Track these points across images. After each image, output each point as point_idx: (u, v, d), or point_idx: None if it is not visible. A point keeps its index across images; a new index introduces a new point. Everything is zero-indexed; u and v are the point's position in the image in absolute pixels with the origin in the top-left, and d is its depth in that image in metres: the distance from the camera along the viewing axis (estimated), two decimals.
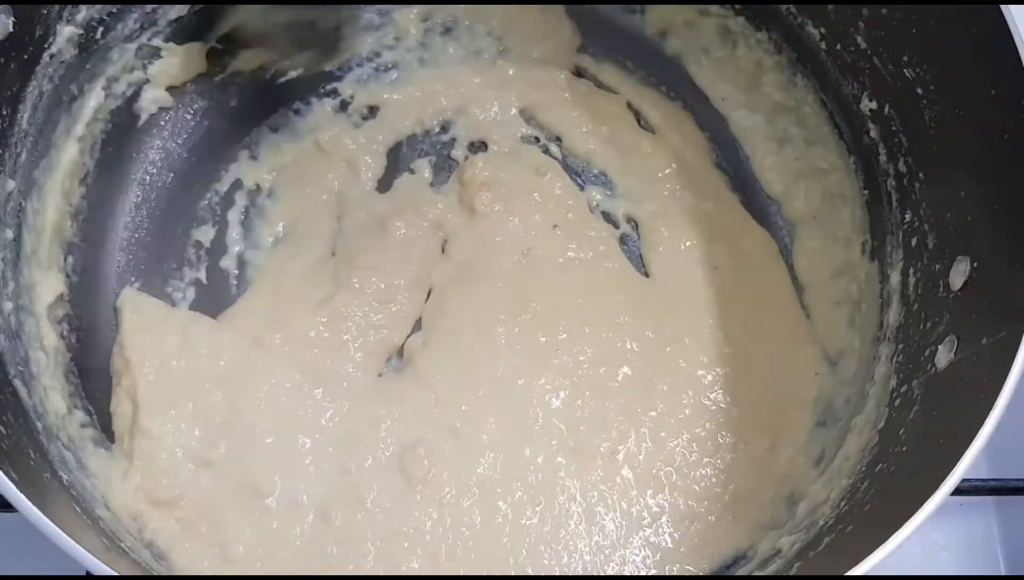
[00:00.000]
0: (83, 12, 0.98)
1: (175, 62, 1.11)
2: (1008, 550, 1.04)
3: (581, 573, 0.94)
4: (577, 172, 1.14)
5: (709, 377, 1.02)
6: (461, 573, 0.93)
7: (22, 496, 0.70)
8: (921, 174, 0.93)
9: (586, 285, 1.07)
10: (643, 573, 0.94)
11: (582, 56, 1.18)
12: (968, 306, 0.84)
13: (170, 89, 1.11)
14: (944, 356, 0.83)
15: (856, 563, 0.69)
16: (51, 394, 0.93)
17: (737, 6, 1.11)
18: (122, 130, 1.09)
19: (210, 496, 0.94)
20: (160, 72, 1.10)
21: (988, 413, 0.72)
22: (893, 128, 0.97)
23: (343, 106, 1.15)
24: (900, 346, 0.92)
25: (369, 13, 1.17)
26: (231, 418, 0.98)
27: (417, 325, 1.05)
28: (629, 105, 1.16)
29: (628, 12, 1.18)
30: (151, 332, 1.02)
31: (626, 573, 0.94)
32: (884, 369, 0.93)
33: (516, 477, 0.97)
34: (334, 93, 1.16)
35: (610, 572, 0.94)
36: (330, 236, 1.08)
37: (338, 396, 1.00)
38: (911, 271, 0.94)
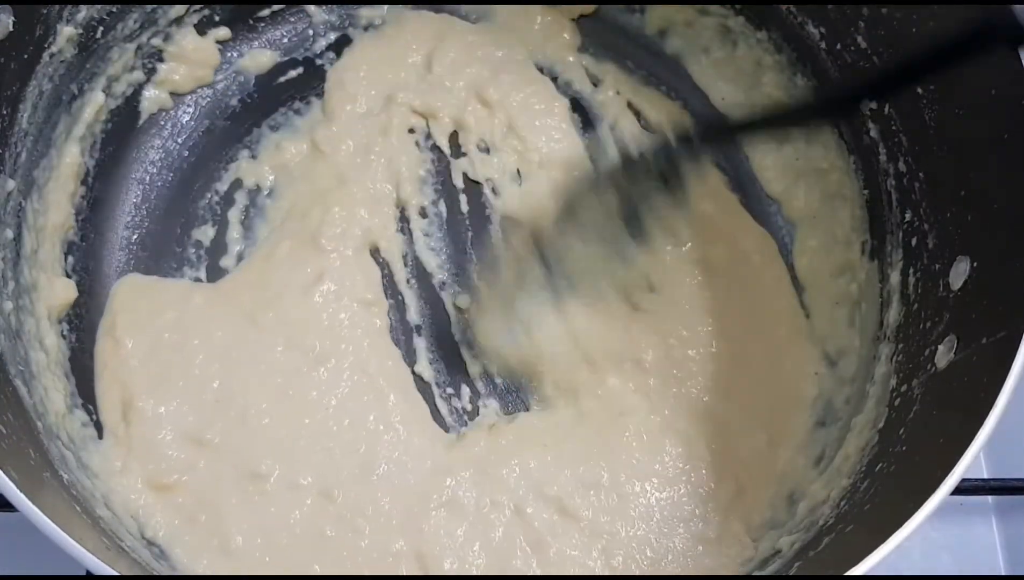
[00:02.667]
0: (83, 12, 0.98)
1: (180, 69, 1.11)
2: (1008, 550, 1.04)
3: (579, 572, 0.94)
4: None
5: (708, 377, 1.02)
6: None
7: (22, 496, 0.70)
8: (921, 174, 0.94)
9: None
10: (643, 573, 0.94)
11: (582, 56, 1.18)
12: (968, 306, 0.84)
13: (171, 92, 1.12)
14: (944, 356, 0.84)
15: (856, 563, 0.69)
16: (51, 394, 0.93)
17: (737, 6, 1.11)
18: (122, 130, 1.09)
19: (208, 480, 0.94)
20: (165, 79, 1.11)
21: (988, 413, 0.72)
22: (893, 128, 0.97)
23: None
24: (900, 346, 0.92)
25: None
26: (225, 397, 0.98)
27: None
28: (629, 105, 1.16)
29: (628, 12, 1.18)
30: (147, 307, 1.02)
31: (627, 573, 0.94)
32: (884, 369, 0.93)
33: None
34: None
35: (610, 572, 0.94)
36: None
37: (341, 375, 1.00)
38: (911, 271, 0.94)
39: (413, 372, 1.03)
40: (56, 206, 1.01)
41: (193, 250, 1.08)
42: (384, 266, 1.07)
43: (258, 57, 1.15)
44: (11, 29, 0.89)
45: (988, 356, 0.78)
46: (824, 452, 0.96)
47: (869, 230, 1.03)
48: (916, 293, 0.92)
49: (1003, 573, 1.04)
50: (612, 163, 0.91)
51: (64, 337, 0.99)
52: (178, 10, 1.09)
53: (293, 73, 1.16)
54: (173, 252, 1.08)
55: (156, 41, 1.09)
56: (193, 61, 1.12)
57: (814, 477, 0.95)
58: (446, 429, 1.01)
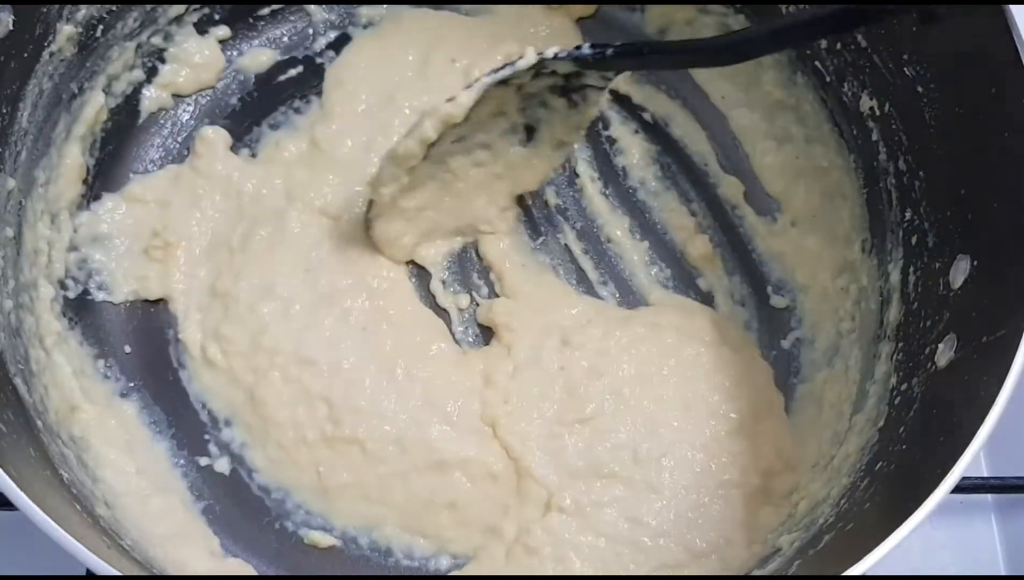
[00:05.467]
0: (83, 10, 0.98)
1: (183, 71, 1.11)
2: (1008, 549, 1.04)
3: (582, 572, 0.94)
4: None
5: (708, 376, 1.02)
6: None
7: (22, 494, 0.70)
8: (921, 172, 0.93)
9: None
10: (643, 573, 0.94)
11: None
12: (968, 304, 0.84)
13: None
14: (944, 354, 0.84)
15: (856, 561, 0.69)
16: (51, 392, 0.93)
17: (737, 4, 1.11)
18: (122, 128, 1.09)
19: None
20: (169, 81, 1.11)
21: (988, 411, 0.72)
22: (893, 127, 0.97)
23: None
24: (900, 344, 0.92)
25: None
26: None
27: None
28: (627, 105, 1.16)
29: (628, 11, 1.18)
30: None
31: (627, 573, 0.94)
32: (884, 367, 0.93)
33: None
34: None
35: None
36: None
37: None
38: (911, 269, 0.94)
39: None
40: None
41: None
42: None
43: (258, 56, 1.15)
44: (11, 28, 0.89)
45: (988, 354, 0.78)
46: None
47: (869, 228, 1.02)
48: (916, 291, 0.92)
49: (1003, 572, 1.04)
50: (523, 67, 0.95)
51: (65, 334, 0.99)
52: (177, 9, 1.09)
53: (293, 72, 1.16)
54: None
55: (156, 40, 1.09)
56: (198, 65, 1.12)
57: (814, 476, 0.95)
58: None
